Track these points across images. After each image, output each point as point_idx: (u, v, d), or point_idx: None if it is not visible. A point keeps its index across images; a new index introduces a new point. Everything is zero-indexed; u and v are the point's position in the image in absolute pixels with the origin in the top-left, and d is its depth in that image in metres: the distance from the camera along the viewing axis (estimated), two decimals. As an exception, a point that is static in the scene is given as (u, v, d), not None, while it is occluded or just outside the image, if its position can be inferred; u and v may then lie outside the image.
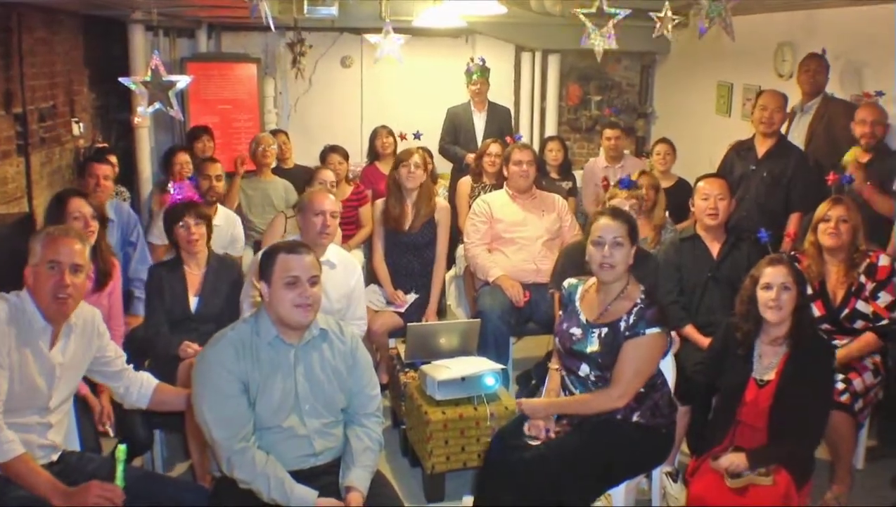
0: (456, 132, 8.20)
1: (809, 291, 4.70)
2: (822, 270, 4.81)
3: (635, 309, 3.87)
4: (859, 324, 4.75)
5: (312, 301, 3.45)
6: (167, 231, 5.06)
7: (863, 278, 4.74)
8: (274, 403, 3.42)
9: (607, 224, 3.96)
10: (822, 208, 4.81)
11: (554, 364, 4.26)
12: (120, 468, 3.42)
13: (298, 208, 5.02)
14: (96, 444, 4.18)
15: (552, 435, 3.88)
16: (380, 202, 6.14)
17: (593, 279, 4.06)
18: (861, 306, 4.73)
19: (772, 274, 3.98)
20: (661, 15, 5.03)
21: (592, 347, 3.91)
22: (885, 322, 4.70)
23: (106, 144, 7.82)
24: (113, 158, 6.42)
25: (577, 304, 4.09)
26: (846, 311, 4.76)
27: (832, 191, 4.93)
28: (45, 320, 3.47)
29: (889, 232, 5.28)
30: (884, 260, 4.75)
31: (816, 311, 4.75)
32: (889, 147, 5.76)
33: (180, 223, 4.94)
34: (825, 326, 4.78)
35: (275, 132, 8.36)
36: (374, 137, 8.21)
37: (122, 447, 3.46)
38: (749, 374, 4.02)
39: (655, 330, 3.85)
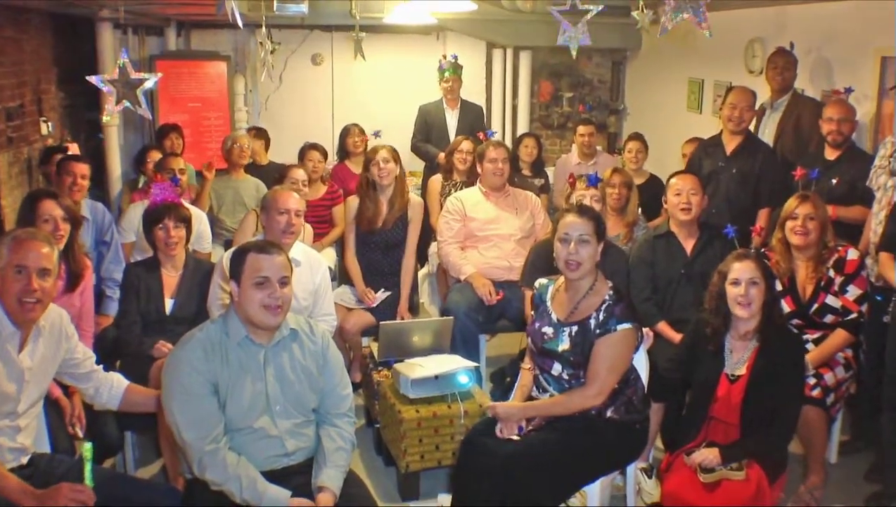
0: (428, 130, 8.17)
1: (779, 287, 4.72)
2: (792, 265, 4.82)
3: (604, 306, 3.88)
4: (829, 318, 4.76)
5: (282, 302, 3.43)
6: (146, 232, 5.01)
7: (832, 273, 4.75)
8: (244, 404, 3.40)
9: (573, 221, 3.95)
10: (789, 205, 4.80)
11: (526, 364, 4.26)
12: (88, 468, 3.39)
13: (262, 207, 4.99)
14: (68, 446, 4.13)
15: (525, 433, 3.87)
16: (351, 200, 6.11)
17: (562, 278, 4.05)
18: (831, 300, 4.74)
19: (739, 269, 4.00)
20: (641, 13, 5.04)
21: (564, 345, 3.91)
22: (854, 316, 4.72)
23: (74, 144, 7.74)
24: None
25: (549, 303, 4.09)
26: (816, 305, 4.77)
27: (799, 186, 4.95)
28: (14, 324, 3.42)
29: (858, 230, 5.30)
30: (852, 254, 4.77)
31: (786, 306, 4.76)
32: (858, 147, 5.76)
33: (159, 225, 4.90)
34: (795, 321, 4.80)
35: (257, 131, 8.31)
36: (345, 134, 8.17)
37: (87, 446, 3.42)
38: (720, 369, 4.03)
39: (626, 326, 3.85)
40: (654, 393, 4.25)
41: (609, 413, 3.91)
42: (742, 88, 6.19)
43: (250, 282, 3.40)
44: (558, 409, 3.90)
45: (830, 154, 5.60)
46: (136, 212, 5.88)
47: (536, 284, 4.23)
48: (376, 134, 7.44)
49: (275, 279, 3.41)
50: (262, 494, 3.28)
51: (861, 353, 4.87)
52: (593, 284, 3.94)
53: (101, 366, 3.83)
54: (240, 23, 4.41)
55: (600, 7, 4.56)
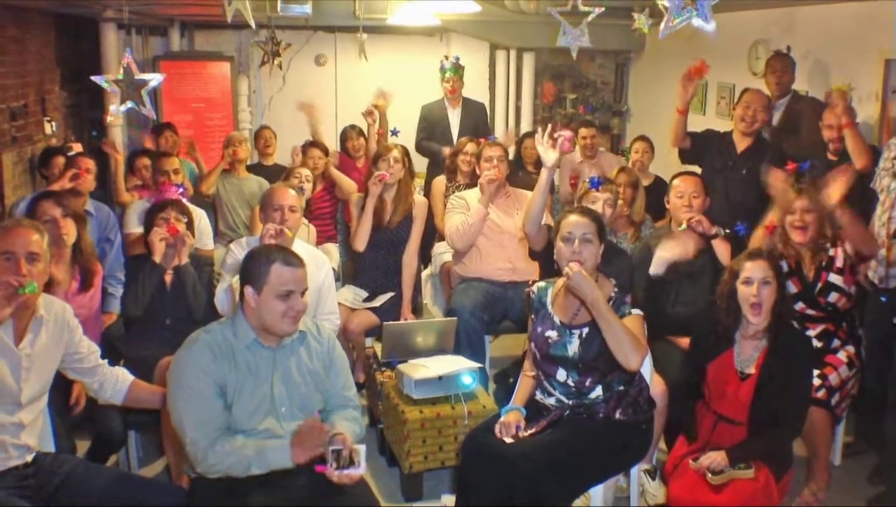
0: (431, 129, 8.17)
1: (785, 268, 4.73)
2: (797, 251, 4.80)
3: (612, 302, 3.87)
4: (833, 297, 4.75)
5: (301, 310, 3.45)
6: (146, 229, 4.99)
7: (832, 252, 4.76)
8: (250, 406, 3.40)
9: (577, 221, 3.93)
10: (786, 199, 4.81)
11: (528, 370, 4.22)
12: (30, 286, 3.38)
13: (260, 205, 5.01)
14: (70, 446, 4.14)
15: (523, 435, 3.85)
16: (355, 196, 6.15)
17: (562, 280, 3.98)
18: (833, 278, 4.73)
19: (752, 269, 3.98)
20: (640, 17, 5.04)
21: (573, 348, 3.90)
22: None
23: (78, 143, 7.76)
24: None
25: (550, 308, 4.06)
26: (819, 285, 4.76)
27: (793, 180, 4.95)
28: None
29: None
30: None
31: (793, 287, 4.76)
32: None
33: (161, 214, 4.91)
34: (800, 305, 4.79)
35: (262, 128, 8.34)
36: (344, 138, 8.19)
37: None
38: (730, 367, 4.03)
39: (639, 312, 3.88)
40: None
41: (617, 415, 3.90)
42: (757, 90, 6.16)
43: (275, 293, 3.39)
44: (618, 326, 3.74)
45: (832, 155, 5.59)
46: (139, 205, 6.00)
47: (535, 287, 4.19)
48: (394, 132, 7.47)
49: (298, 291, 3.43)
50: (269, 459, 3.31)
51: (863, 351, 4.86)
52: (595, 283, 3.90)
53: (105, 361, 3.84)
54: (252, 23, 4.43)
55: (601, 9, 4.57)
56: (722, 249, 4.93)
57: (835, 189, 4.55)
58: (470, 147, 6.89)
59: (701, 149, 6.19)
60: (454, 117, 8.16)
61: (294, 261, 3.48)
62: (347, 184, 7.21)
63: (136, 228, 5.95)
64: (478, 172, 6.05)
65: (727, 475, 3.75)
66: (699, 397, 4.14)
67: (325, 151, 7.53)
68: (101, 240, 5.65)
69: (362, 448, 3.41)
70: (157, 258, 4.85)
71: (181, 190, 5.38)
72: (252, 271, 3.44)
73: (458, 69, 8.13)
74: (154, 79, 4.49)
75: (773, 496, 3.78)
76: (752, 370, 3.98)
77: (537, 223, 4.70)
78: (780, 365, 3.91)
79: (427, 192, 7.46)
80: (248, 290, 3.43)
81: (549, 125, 4.57)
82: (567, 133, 4.44)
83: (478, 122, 8.18)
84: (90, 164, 5.79)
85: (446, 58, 8.29)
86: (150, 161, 6.99)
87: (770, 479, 3.77)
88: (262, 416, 3.42)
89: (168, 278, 4.92)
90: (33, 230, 3.50)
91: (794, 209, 4.72)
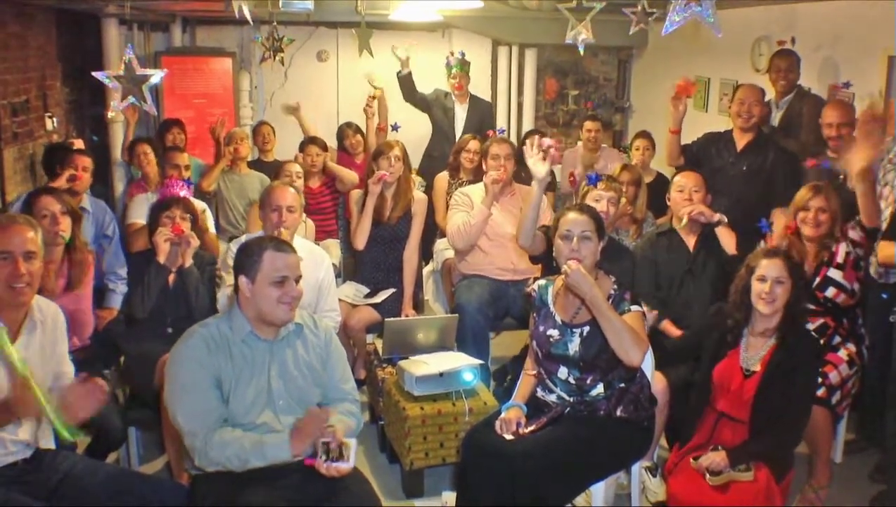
0: (433, 109, 8.25)
1: None
2: (803, 249, 4.80)
3: (612, 299, 3.86)
4: (831, 292, 4.76)
5: (296, 297, 3.45)
6: (151, 224, 4.98)
7: (833, 247, 4.77)
8: (248, 400, 3.40)
9: (575, 218, 3.92)
10: (801, 197, 4.79)
11: (529, 369, 4.22)
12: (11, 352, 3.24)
13: (260, 203, 5.01)
14: (71, 442, 4.12)
15: (523, 432, 3.84)
16: (355, 192, 6.14)
17: (562, 278, 3.94)
18: (833, 273, 4.75)
19: (767, 267, 3.98)
20: (636, 10, 5.02)
21: (574, 347, 3.90)
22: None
23: (79, 140, 7.76)
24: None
25: (551, 306, 4.06)
26: (818, 279, 4.77)
27: (810, 176, 4.93)
28: None
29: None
30: (853, 233, 4.81)
31: None
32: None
33: (167, 213, 4.90)
34: None
35: (261, 124, 8.33)
36: (341, 136, 8.14)
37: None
38: (735, 365, 4.03)
39: (638, 308, 3.87)
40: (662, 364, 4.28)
41: (619, 412, 3.90)
42: (751, 85, 6.14)
43: (268, 280, 3.40)
44: (618, 324, 3.73)
45: (832, 153, 5.57)
46: (143, 197, 5.99)
47: (536, 285, 4.19)
48: (395, 127, 7.47)
49: (292, 278, 3.43)
50: (266, 453, 3.30)
51: (864, 349, 4.85)
52: (595, 280, 3.87)
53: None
54: (249, 19, 4.42)
55: (602, 4, 4.56)
56: (726, 237, 4.96)
57: (861, 154, 4.54)
58: (473, 145, 6.88)
59: (698, 159, 6.16)
60: (461, 111, 8.18)
61: (286, 247, 3.50)
62: (348, 175, 7.21)
63: (137, 219, 5.95)
64: (484, 168, 6.02)
65: (726, 476, 3.74)
66: (706, 401, 4.12)
67: (324, 147, 7.52)
68: (97, 237, 5.63)
69: (353, 443, 3.44)
70: (162, 259, 4.82)
71: (188, 186, 5.37)
72: (245, 260, 3.45)
73: (464, 65, 8.15)
74: (155, 75, 4.49)
75: (775, 497, 3.77)
76: (757, 368, 3.97)
77: (530, 237, 4.64)
78: (786, 363, 3.91)
79: (427, 187, 7.44)
80: (243, 280, 3.44)
81: (537, 137, 4.54)
82: (550, 141, 4.41)
83: (483, 120, 8.19)
84: (87, 162, 5.78)
85: (452, 54, 8.28)
86: (150, 148, 6.98)
87: (771, 480, 3.76)
88: (259, 410, 3.42)
89: (171, 277, 4.91)
90: (29, 227, 3.48)
91: (809, 207, 4.73)
